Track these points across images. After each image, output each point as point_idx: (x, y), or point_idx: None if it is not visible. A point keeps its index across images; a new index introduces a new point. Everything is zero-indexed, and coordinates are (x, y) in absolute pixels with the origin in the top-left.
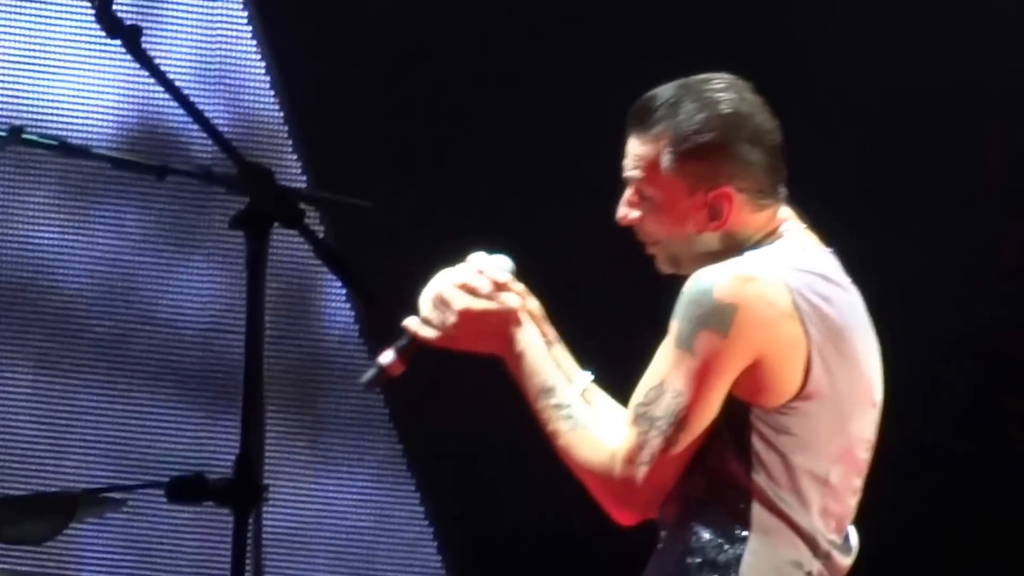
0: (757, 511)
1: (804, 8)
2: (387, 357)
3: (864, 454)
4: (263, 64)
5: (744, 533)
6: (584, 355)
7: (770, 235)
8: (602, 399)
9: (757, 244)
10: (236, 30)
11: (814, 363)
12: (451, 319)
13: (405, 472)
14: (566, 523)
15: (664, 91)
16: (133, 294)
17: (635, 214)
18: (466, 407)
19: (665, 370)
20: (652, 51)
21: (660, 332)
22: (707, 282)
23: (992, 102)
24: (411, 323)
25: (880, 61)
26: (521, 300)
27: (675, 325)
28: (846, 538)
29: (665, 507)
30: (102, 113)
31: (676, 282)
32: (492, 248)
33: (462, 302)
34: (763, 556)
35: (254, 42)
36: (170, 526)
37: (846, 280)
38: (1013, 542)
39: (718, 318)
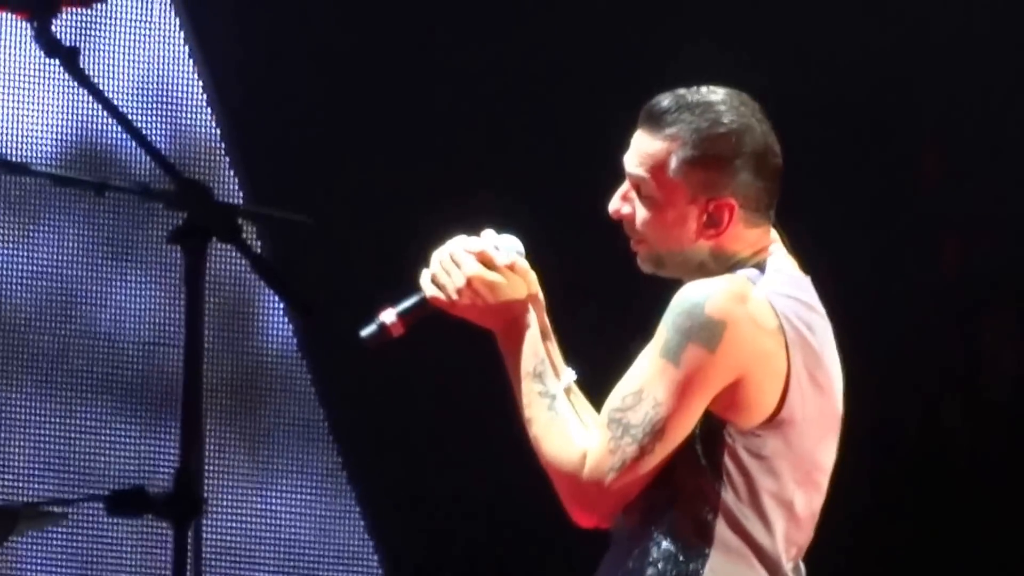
0: (721, 528)
1: (737, 9)
2: (389, 316)
3: (825, 481)
4: (200, 81)
5: (706, 549)
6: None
7: (757, 254)
8: (581, 400)
9: (744, 262)
10: (173, 48)
11: (792, 389)
12: (459, 283)
13: (346, 484)
14: (510, 535)
15: (684, 94)
16: (73, 308)
17: (628, 209)
18: (408, 418)
19: (647, 378)
20: (595, 50)
21: (642, 338)
22: (700, 296)
23: (927, 111)
24: (422, 278)
25: (818, 69)
26: (529, 283)
27: (662, 334)
28: (800, 569)
29: (626, 512)
30: (42, 131)
31: (664, 290)
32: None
33: (473, 269)
34: (723, 574)
35: (191, 60)
36: (111, 539)
37: (822, 308)
38: (950, 554)
39: (707, 333)
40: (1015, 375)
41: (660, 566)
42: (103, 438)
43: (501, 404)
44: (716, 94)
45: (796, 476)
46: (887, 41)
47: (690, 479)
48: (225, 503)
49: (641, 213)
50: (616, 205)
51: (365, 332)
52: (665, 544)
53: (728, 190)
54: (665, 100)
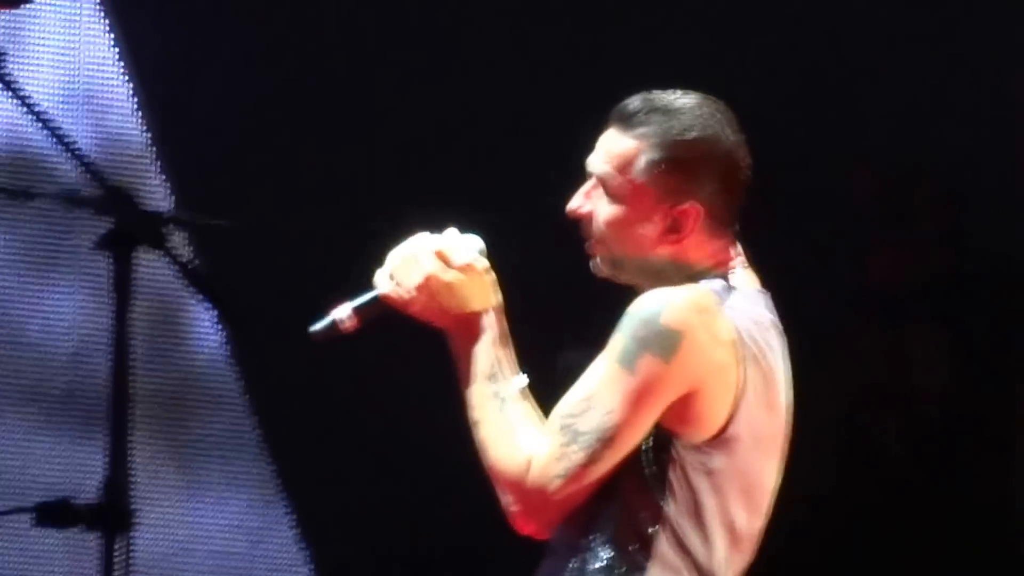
0: (661, 543)
1: (667, 19)
2: (342, 312)
3: (766, 503)
4: (127, 87)
5: (645, 563)
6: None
7: (718, 266)
8: (531, 405)
9: (704, 273)
10: (100, 53)
11: (741, 407)
12: (416, 281)
13: (278, 494)
14: (443, 546)
15: (659, 94)
16: None
17: (588, 208)
18: (341, 427)
19: (599, 384)
20: (556, 49)
21: (595, 348)
22: (658, 304)
23: (859, 121)
24: (378, 275)
25: (750, 78)
26: (487, 283)
27: (617, 341)
28: None
29: (567, 521)
30: None
31: (623, 298)
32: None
33: (431, 267)
34: None
35: (118, 65)
36: (38, 551)
37: (780, 326)
38: (880, 566)
39: (664, 343)
40: (943, 389)
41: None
42: (30, 449)
43: (437, 413)
44: (690, 99)
45: (740, 496)
46: (820, 53)
47: (635, 491)
48: (155, 515)
49: (603, 212)
50: (576, 203)
51: (316, 327)
52: (604, 555)
53: (694, 197)
54: (637, 101)
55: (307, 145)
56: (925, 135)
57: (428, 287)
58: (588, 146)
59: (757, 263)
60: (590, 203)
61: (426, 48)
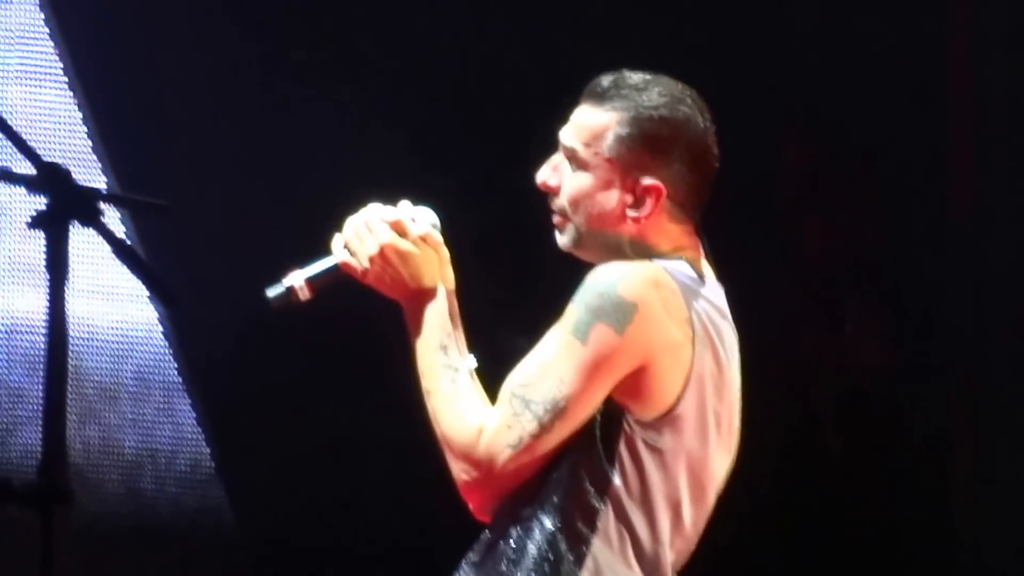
0: (606, 517)
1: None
2: (297, 279)
3: (713, 495)
4: (61, 63)
5: (589, 536)
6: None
7: (677, 251)
8: (479, 387)
9: (663, 256)
10: (33, 27)
11: (691, 386)
12: (371, 250)
13: (213, 474)
14: (380, 530)
15: (633, 74)
16: None
17: (556, 181)
18: (275, 407)
19: (552, 354)
20: (509, 22)
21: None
22: (614, 276)
23: (790, 96)
24: (334, 243)
25: (683, 54)
26: (442, 260)
27: (572, 311)
28: None
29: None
30: None
31: (578, 276)
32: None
33: (386, 236)
34: (603, 563)
35: (51, 40)
36: None
37: (732, 321)
38: (821, 546)
39: (617, 314)
40: (879, 364)
41: (542, 546)
42: None
43: (375, 385)
44: (663, 81)
45: (687, 477)
46: (748, 28)
47: (584, 464)
48: (90, 493)
49: (569, 185)
50: (544, 175)
51: (271, 292)
52: (549, 525)
53: (659, 175)
54: (610, 78)
55: (245, 122)
56: (856, 108)
57: (383, 257)
58: (557, 123)
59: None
60: (557, 175)
61: (372, 25)
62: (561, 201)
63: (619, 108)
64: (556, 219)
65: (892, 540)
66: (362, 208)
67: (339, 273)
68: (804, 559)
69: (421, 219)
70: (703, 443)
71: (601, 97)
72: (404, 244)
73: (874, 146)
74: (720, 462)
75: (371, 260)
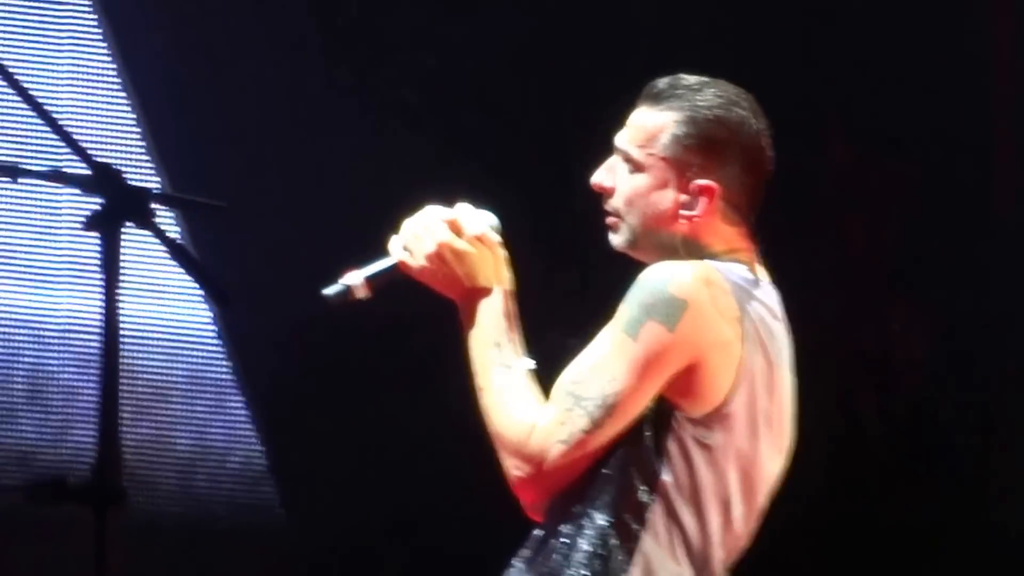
0: (656, 513)
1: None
2: (354, 278)
3: (763, 499)
4: (114, 65)
5: (640, 531)
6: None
7: (730, 252)
8: (536, 388)
9: (716, 256)
10: (86, 29)
11: (741, 383)
12: (428, 249)
13: (266, 473)
14: (436, 526)
15: (688, 76)
16: None
17: (610, 182)
18: (328, 406)
19: (604, 352)
20: (579, 30)
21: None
22: (665, 274)
23: (833, 96)
24: (391, 243)
25: (727, 54)
26: (498, 261)
27: (624, 309)
28: None
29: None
30: None
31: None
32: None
33: (443, 235)
34: (653, 559)
35: (105, 42)
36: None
37: (787, 324)
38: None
39: (668, 311)
40: (923, 360)
41: (594, 541)
42: (23, 428)
43: (426, 388)
44: (719, 83)
45: (737, 475)
46: (794, 25)
47: (634, 461)
48: (143, 491)
49: (623, 186)
50: (599, 177)
51: (329, 291)
52: (599, 521)
53: (713, 176)
54: (666, 80)
55: (294, 125)
56: (903, 108)
57: (439, 255)
58: (613, 125)
59: None
60: (612, 176)
61: (427, 24)
62: (615, 202)
63: (674, 108)
64: (610, 220)
65: (934, 540)
66: (419, 210)
67: (396, 272)
68: (848, 559)
69: (479, 220)
70: (753, 441)
71: (657, 98)
72: (460, 243)
73: (918, 144)
74: (771, 461)
75: (428, 258)
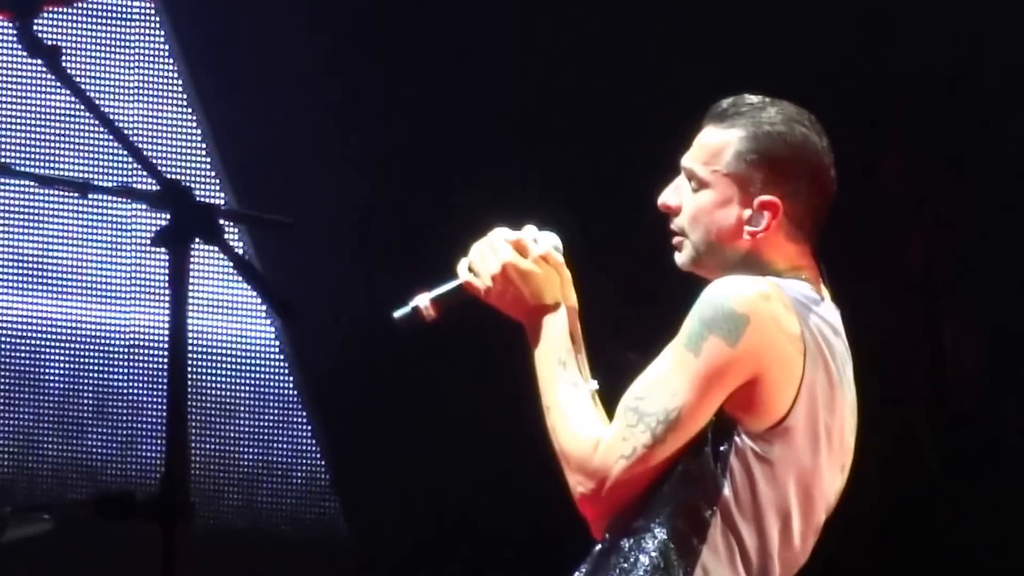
0: (716, 528)
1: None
2: (423, 300)
3: (823, 516)
4: (181, 81)
5: (699, 546)
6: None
7: (794, 270)
8: (600, 410)
9: (779, 274)
10: (154, 47)
11: (802, 397)
12: (494, 269)
13: (327, 487)
14: (503, 546)
15: (752, 96)
16: (57, 309)
17: (676, 201)
18: (395, 422)
19: (667, 367)
20: (640, 53)
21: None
22: (727, 290)
23: (890, 111)
24: (459, 265)
25: (780, 69)
26: (563, 281)
27: (687, 325)
28: None
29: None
30: (25, 131)
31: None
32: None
33: (508, 256)
34: (712, 574)
35: (172, 60)
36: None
37: (846, 341)
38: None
39: (729, 326)
40: (976, 376)
41: (654, 556)
42: (88, 441)
43: (487, 405)
44: (781, 103)
45: (797, 490)
46: (850, 42)
47: (695, 475)
48: (209, 505)
49: (688, 204)
50: (665, 197)
51: (398, 313)
52: (660, 535)
53: (776, 192)
54: (730, 99)
55: (361, 141)
56: (956, 122)
57: (504, 275)
58: (680, 144)
59: None
60: (678, 196)
61: (493, 46)
62: (680, 220)
63: (738, 126)
64: (676, 239)
65: (985, 553)
66: (487, 232)
67: (463, 293)
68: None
69: (543, 240)
70: (814, 456)
71: (721, 117)
72: (525, 263)
73: (968, 156)
74: (831, 477)
75: (493, 279)
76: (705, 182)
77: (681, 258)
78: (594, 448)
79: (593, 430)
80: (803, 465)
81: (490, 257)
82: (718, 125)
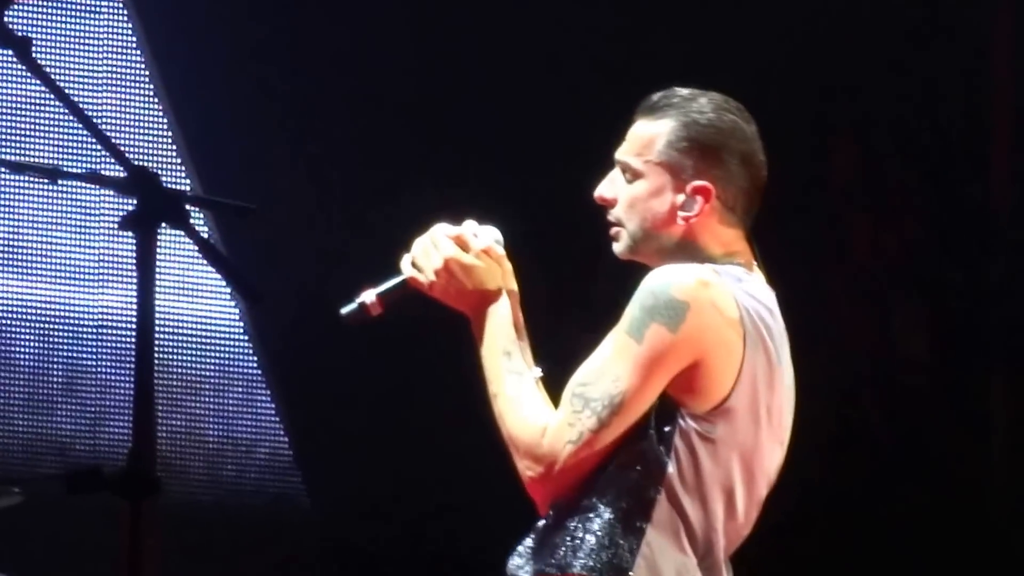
0: (662, 507)
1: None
2: (369, 296)
3: (765, 490)
4: (147, 71)
5: (644, 525)
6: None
7: (729, 256)
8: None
9: (713, 259)
10: (121, 36)
11: (742, 379)
12: (436, 264)
13: (291, 467)
14: (458, 527)
15: (683, 88)
16: (28, 290)
17: (611, 193)
18: (356, 403)
19: (610, 354)
20: (580, 48)
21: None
22: (667, 277)
23: (840, 103)
24: (403, 261)
25: (733, 63)
26: (505, 273)
27: (628, 313)
28: (728, 567)
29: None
30: None
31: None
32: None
33: (450, 251)
34: (657, 550)
35: (139, 49)
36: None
37: (782, 322)
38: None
39: (670, 313)
40: (926, 360)
41: (599, 535)
42: (58, 418)
43: (451, 388)
44: (710, 93)
45: (740, 467)
46: (799, 37)
47: (640, 456)
48: (175, 479)
49: (623, 195)
50: (601, 190)
51: (345, 310)
52: (607, 515)
53: (707, 177)
54: (661, 93)
55: (322, 127)
56: (902, 109)
57: (447, 270)
58: (613, 137)
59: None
60: (613, 188)
61: (443, 41)
62: (617, 211)
63: (669, 116)
64: (613, 230)
65: (931, 530)
66: (429, 228)
67: (408, 288)
68: (848, 549)
69: (484, 235)
70: (755, 434)
71: (651, 110)
72: (467, 258)
73: (917, 145)
74: (772, 453)
75: (437, 273)
76: (639, 172)
77: (619, 247)
78: (542, 434)
79: (540, 417)
80: (745, 443)
81: (432, 253)
82: (649, 117)
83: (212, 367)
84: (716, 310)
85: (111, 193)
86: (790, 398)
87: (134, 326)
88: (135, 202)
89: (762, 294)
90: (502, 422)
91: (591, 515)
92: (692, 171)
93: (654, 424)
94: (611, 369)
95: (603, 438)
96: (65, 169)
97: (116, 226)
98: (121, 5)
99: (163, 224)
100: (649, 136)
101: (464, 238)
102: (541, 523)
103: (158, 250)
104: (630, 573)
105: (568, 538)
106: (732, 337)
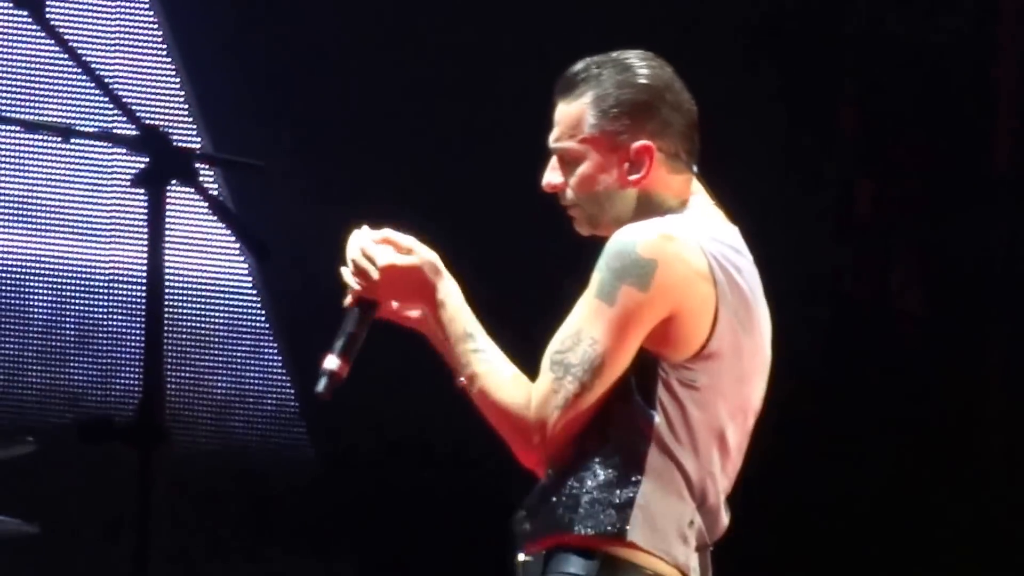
0: (653, 457)
1: None
2: (331, 362)
3: (751, 421)
4: (160, 31)
5: (639, 477)
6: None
7: (684, 203)
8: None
9: (671, 209)
10: None
11: (720, 323)
12: (375, 277)
13: (295, 417)
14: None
15: (588, 61)
16: (42, 247)
17: (559, 178)
18: (361, 353)
19: (583, 319)
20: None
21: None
22: (631, 238)
23: (847, 60)
24: (344, 274)
25: (735, 19)
26: (436, 258)
27: (596, 277)
28: (727, 508)
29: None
30: (12, 80)
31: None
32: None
33: (386, 258)
34: (654, 501)
35: (151, 11)
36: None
37: (750, 255)
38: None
39: (639, 272)
40: (922, 316)
41: (595, 493)
42: (70, 370)
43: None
44: (625, 54)
45: (727, 407)
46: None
47: (625, 412)
48: (184, 430)
49: (571, 178)
50: (548, 178)
51: (319, 388)
52: (601, 473)
53: (646, 134)
54: (576, 66)
55: (335, 87)
56: (906, 68)
57: (388, 276)
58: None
59: (744, 196)
60: (559, 174)
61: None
62: (568, 195)
63: (588, 89)
64: (571, 212)
65: (920, 486)
66: (352, 238)
67: (362, 331)
68: (842, 500)
69: (400, 237)
70: (738, 374)
71: (567, 89)
72: (403, 259)
73: (922, 107)
74: (756, 388)
75: (379, 285)
76: (578, 153)
77: (581, 227)
78: (526, 405)
79: (522, 388)
80: (729, 384)
81: (369, 267)
82: (568, 97)
83: (221, 321)
84: (683, 262)
85: (123, 151)
86: (768, 329)
87: (145, 281)
88: (147, 160)
89: (726, 234)
90: (485, 400)
91: (586, 474)
92: (627, 134)
93: (635, 380)
94: (587, 333)
95: (587, 399)
96: (78, 128)
97: (128, 183)
98: None
99: (174, 181)
100: (575, 114)
101: (391, 239)
102: (539, 484)
103: (168, 207)
104: (628, 532)
105: (564, 496)
106: (703, 286)
